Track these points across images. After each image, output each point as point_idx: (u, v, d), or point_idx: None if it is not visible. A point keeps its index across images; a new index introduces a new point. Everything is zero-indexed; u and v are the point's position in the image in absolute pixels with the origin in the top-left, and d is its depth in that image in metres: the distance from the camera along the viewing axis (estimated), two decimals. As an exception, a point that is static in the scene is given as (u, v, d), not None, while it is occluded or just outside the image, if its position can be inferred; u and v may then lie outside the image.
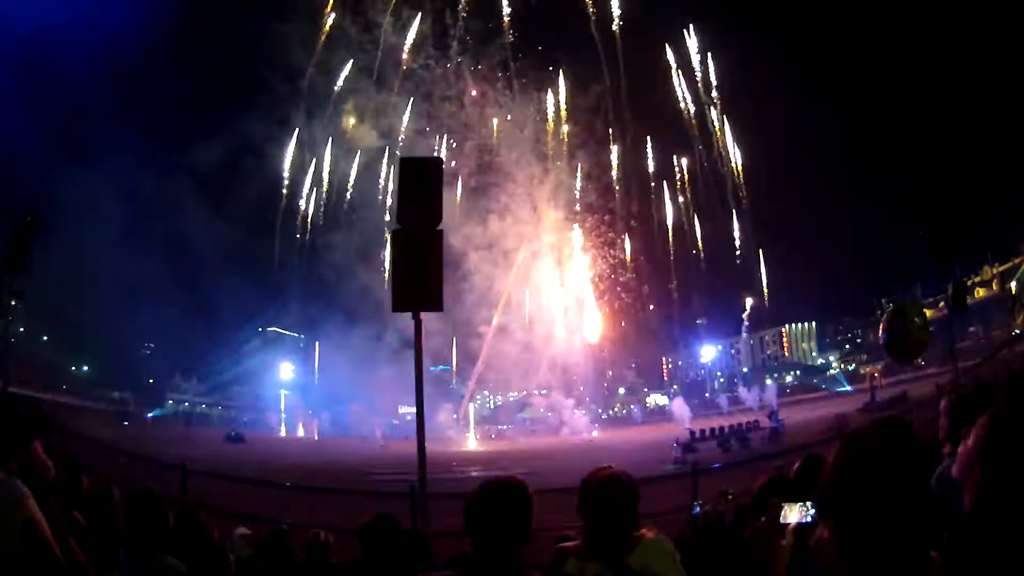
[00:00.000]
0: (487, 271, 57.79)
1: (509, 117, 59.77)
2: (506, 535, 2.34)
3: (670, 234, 64.33)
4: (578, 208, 61.88)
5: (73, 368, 54.06)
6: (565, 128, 61.75)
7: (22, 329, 37.54)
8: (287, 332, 65.32)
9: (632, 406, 62.06)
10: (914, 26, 47.14)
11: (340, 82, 59.90)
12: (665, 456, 26.93)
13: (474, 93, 58.33)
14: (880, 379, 43.89)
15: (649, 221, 64.41)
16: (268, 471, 19.07)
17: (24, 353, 32.66)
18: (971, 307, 29.14)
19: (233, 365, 59.97)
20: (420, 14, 58.86)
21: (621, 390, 65.94)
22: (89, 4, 42.75)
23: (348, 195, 61.88)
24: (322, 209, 62.61)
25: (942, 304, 33.62)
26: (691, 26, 60.69)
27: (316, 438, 48.35)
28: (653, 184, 64.11)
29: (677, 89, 62.05)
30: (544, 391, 58.44)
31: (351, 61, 59.33)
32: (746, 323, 66.19)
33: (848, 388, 51.92)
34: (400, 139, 60.20)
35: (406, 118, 60.40)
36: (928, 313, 19.35)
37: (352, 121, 60.87)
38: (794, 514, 1.94)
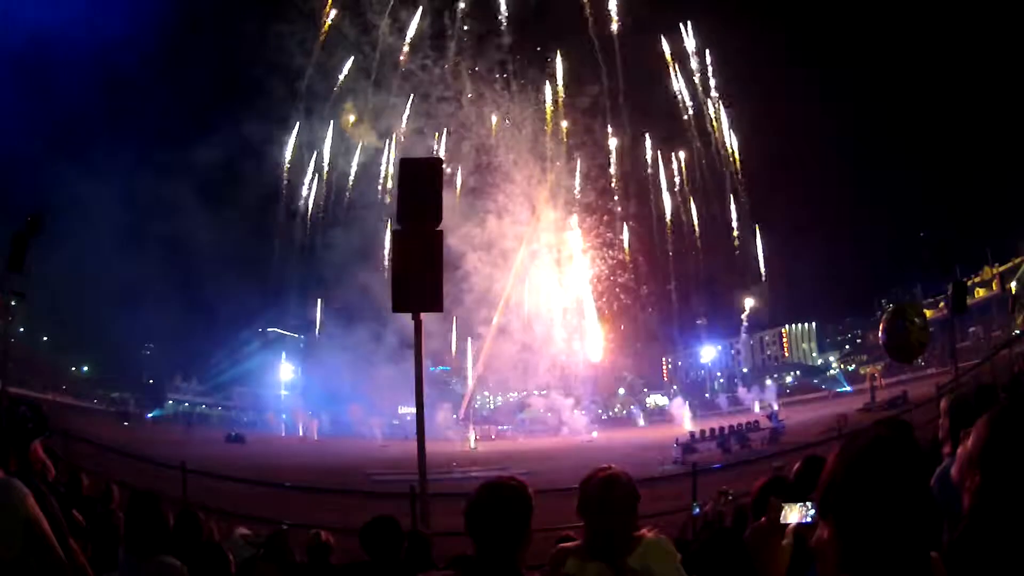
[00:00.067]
0: (486, 272, 57.90)
1: (508, 121, 59.81)
2: (506, 536, 2.34)
3: (668, 230, 64.35)
4: (577, 207, 61.94)
5: (73, 368, 54.09)
6: (564, 125, 61.80)
7: (22, 329, 37.59)
8: (287, 332, 65.35)
9: (632, 406, 62.03)
10: (915, 27, 47.21)
11: (339, 81, 59.99)
12: (665, 456, 26.93)
13: (469, 96, 58.37)
14: (880, 379, 43.86)
15: (648, 219, 64.46)
16: (268, 471, 19.07)
17: (24, 353, 32.69)
18: (971, 307, 29.17)
19: (233, 365, 60.03)
20: (419, 13, 58.90)
21: (621, 390, 65.92)
22: (88, 5, 42.85)
23: (348, 195, 61.94)
24: (322, 209, 62.64)
25: (942, 304, 33.70)
26: (689, 22, 60.72)
27: (316, 438, 48.35)
28: (651, 172, 64.03)
29: (675, 85, 62.05)
30: (544, 391, 58.46)
31: (351, 59, 59.40)
32: (745, 323, 66.21)
33: (848, 388, 51.87)
34: (399, 136, 60.29)
35: (405, 118, 60.51)
36: (928, 313, 19.40)
37: (352, 118, 60.96)
38: (794, 514, 1.94)
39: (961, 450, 1.68)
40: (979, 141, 45.29)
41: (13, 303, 12.40)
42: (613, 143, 62.55)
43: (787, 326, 69.48)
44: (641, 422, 55.53)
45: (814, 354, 69.39)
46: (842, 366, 63.40)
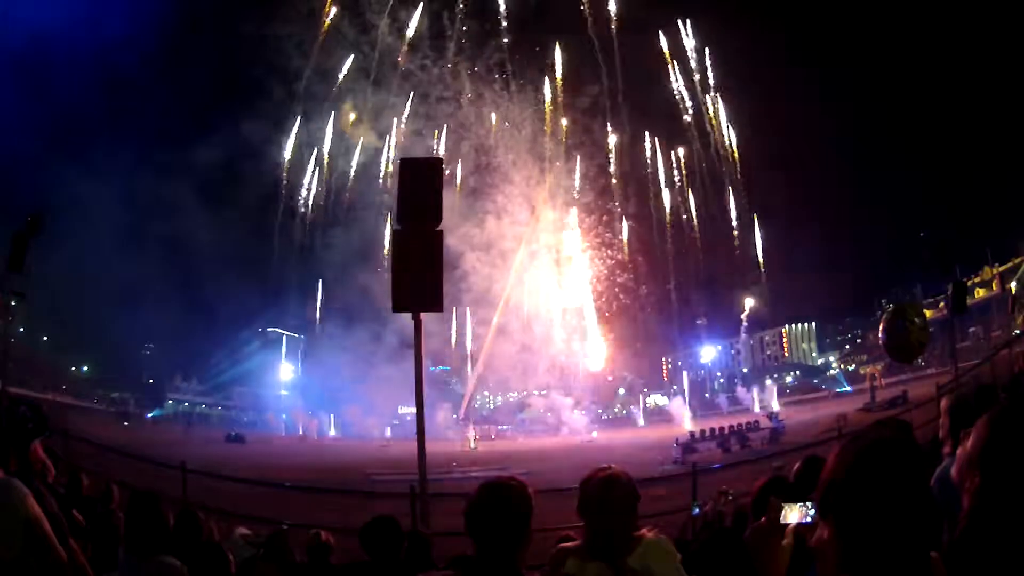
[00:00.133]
0: (485, 272, 57.96)
1: (507, 123, 59.82)
2: (506, 536, 2.35)
3: (668, 223, 64.31)
4: (577, 204, 61.93)
5: (73, 368, 54.06)
6: (564, 123, 61.80)
7: (22, 329, 37.58)
8: (287, 332, 65.37)
9: (632, 406, 62.02)
10: (915, 26, 47.19)
11: (339, 81, 60.03)
12: (665, 456, 26.93)
13: (468, 96, 58.39)
14: (880, 379, 43.86)
15: (647, 219, 64.43)
16: (268, 471, 19.08)
17: (24, 353, 32.68)
18: (971, 307, 29.18)
19: (233, 365, 60.03)
20: (418, 12, 58.93)
21: (621, 390, 65.92)
22: (88, 5, 42.84)
23: (347, 195, 61.95)
24: (321, 209, 62.65)
25: (942, 304, 33.69)
26: (688, 21, 60.71)
27: (316, 437, 48.38)
28: (650, 171, 64.00)
29: (674, 82, 62.01)
30: (544, 392, 58.47)
31: (351, 57, 59.42)
32: (745, 323, 66.22)
33: (848, 388, 51.87)
34: (398, 135, 60.31)
35: (404, 118, 60.56)
36: (928, 313, 19.40)
37: (352, 117, 61.02)
38: (794, 514, 1.94)
39: (961, 451, 1.68)
40: (979, 141, 45.30)
41: (13, 303, 12.41)
42: (613, 140, 62.59)
43: (787, 326, 69.46)
44: (641, 422, 55.56)
45: (814, 354, 69.38)
46: (842, 366, 63.39)
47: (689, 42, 61.36)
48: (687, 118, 62.57)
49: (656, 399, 64.81)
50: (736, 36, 53.62)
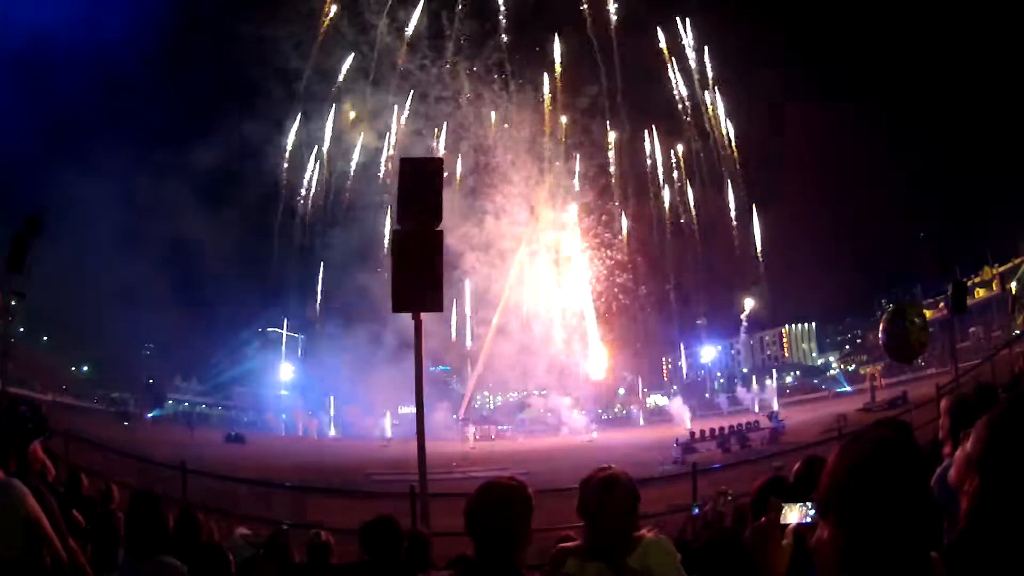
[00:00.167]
0: (484, 272, 58.01)
1: (506, 124, 59.84)
2: (506, 536, 2.35)
3: (667, 219, 64.30)
4: (576, 200, 61.92)
5: (73, 368, 54.05)
6: (563, 120, 61.82)
7: (22, 329, 37.59)
8: (287, 332, 65.40)
9: (632, 406, 62.04)
10: (915, 25, 47.18)
11: (338, 81, 60.06)
12: (665, 456, 26.94)
13: (468, 95, 58.43)
14: (880, 380, 43.87)
15: (647, 219, 64.41)
16: (268, 471, 19.08)
17: (24, 353, 32.65)
18: (971, 308, 29.19)
19: (233, 365, 60.04)
20: (417, 11, 58.96)
21: (621, 390, 65.92)
22: (88, 5, 42.85)
23: (347, 195, 61.98)
24: (321, 209, 62.67)
25: (942, 305, 33.67)
26: (687, 19, 60.70)
27: (316, 437, 48.41)
28: (650, 167, 63.98)
29: (672, 80, 62.00)
30: (544, 392, 58.47)
31: (350, 56, 59.44)
32: (745, 323, 66.20)
33: (848, 388, 51.89)
34: (397, 135, 60.35)
35: (404, 119, 60.60)
36: (928, 314, 19.40)
37: (352, 115, 61.06)
38: (794, 514, 1.94)
39: (959, 452, 1.68)
40: (979, 141, 45.29)
41: (13, 303, 12.41)
42: (612, 136, 62.62)
43: (787, 326, 69.45)
44: (641, 422, 55.57)
45: (814, 354, 69.37)
46: (842, 366, 63.38)
47: (688, 39, 61.40)
48: (687, 118, 62.56)
49: (656, 399, 64.80)
50: (735, 34, 53.65)
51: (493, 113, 60.07)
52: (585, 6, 59.31)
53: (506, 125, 59.62)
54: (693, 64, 61.63)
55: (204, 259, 49.86)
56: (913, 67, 48.44)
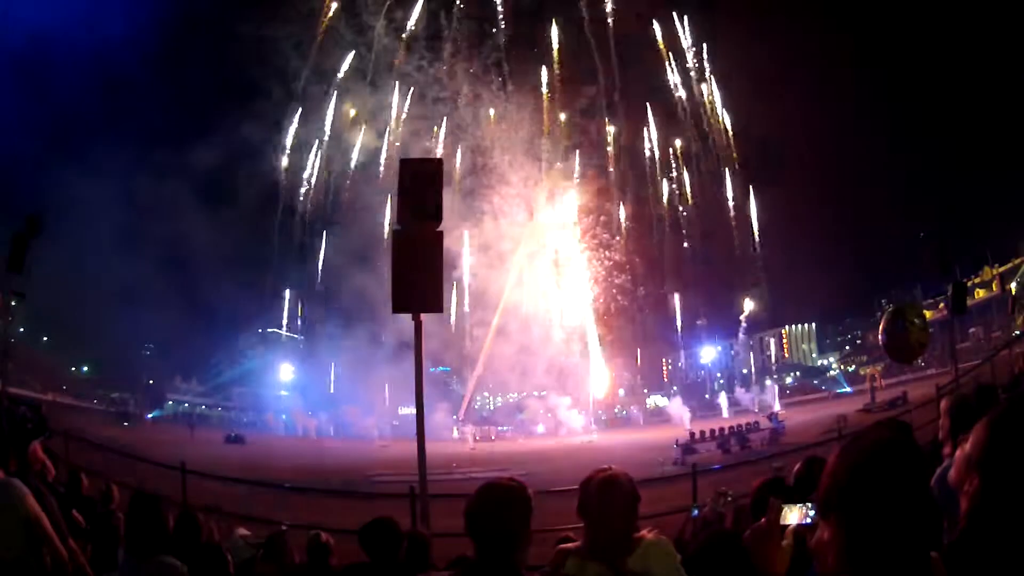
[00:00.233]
0: (483, 273, 58.01)
1: (504, 125, 59.87)
2: (506, 537, 2.35)
3: (665, 219, 64.31)
4: (575, 208, 61.92)
5: (73, 368, 54.05)
6: (562, 117, 61.86)
7: (22, 329, 37.59)
8: (287, 333, 65.41)
9: (632, 407, 62.04)
10: (915, 25, 47.18)
11: (337, 81, 60.11)
12: (665, 457, 26.93)
13: (466, 94, 58.48)
14: (880, 380, 43.89)
15: (647, 219, 64.38)
16: (268, 472, 19.08)
17: (24, 353, 32.66)
18: (971, 308, 29.19)
19: (233, 366, 60.03)
20: (416, 11, 59.02)
21: (620, 391, 65.90)
22: (88, 6, 42.87)
23: (346, 195, 62.00)
24: (320, 210, 62.68)
25: (942, 305, 33.70)
26: (685, 16, 60.73)
27: (316, 437, 48.40)
28: (648, 163, 63.95)
29: (671, 77, 62.01)
30: (543, 392, 58.47)
31: (350, 55, 59.49)
32: (744, 324, 66.16)
33: (848, 389, 51.89)
34: (396, 136, 60.39)
35: (402, 120, 60.67)
36: (928, 314, 19.41)
37: (353, 113, 61.12)
38: (794, 515, 1.94)
39: (959, 454, 1.68)
40: (979, 141, 45.28)
41: (13, 303, 12.41)
42: (611, 130, 62.64)
43: (787, 327, 69.43)
44: (641, 423, 55.59)
45: (814, 355, 69.35)
46: (842, 367, 63.37)
47: (685, 38, 61.40)
48: (684, 108, 62.51)
49: (656, 400, 64.81)
50: (734, 30, 53.68)
51: (492, 110, 60.12)
52: (583, 4, 59.40)
53: (503, 125, 59.69)
54: (692, 63, 61.74)
55: (204, 259, 49.86)
56: (913, 67, 48.46)
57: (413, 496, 7.74)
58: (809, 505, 1.91)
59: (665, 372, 71.99)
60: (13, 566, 3.03)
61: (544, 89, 60.72)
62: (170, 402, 55.36)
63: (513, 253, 58.88)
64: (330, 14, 58.23)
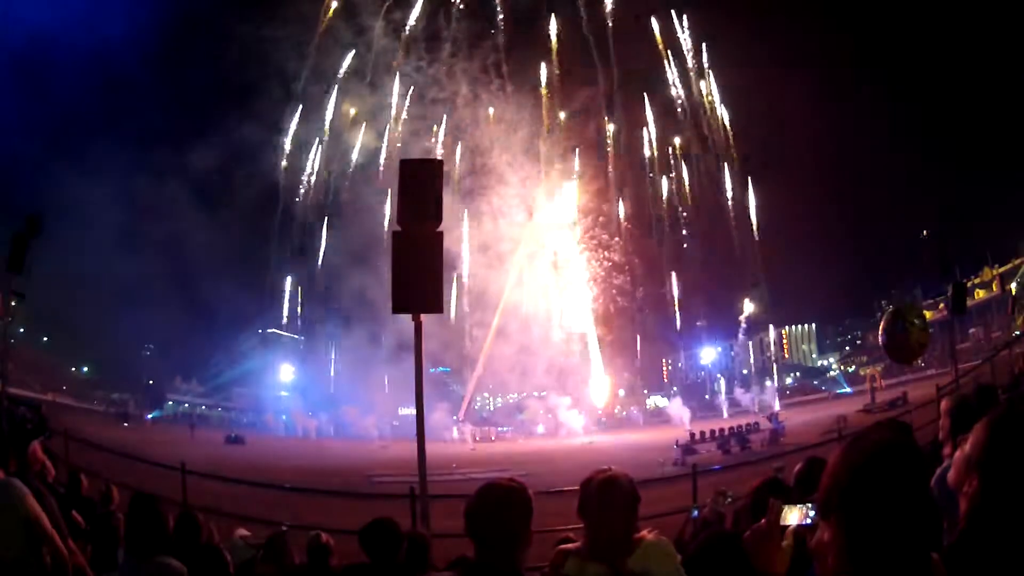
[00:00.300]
0: (482, 274, 57.99)
1: (503, 124, 59.88)
2: (506, 537, 2.35)
3: (665, 217, 64.31)
4: (574, 208, 61.93)
5: (73, 369, 54.08)
6: (562, 116, 61.88)
7: (22, 329, 37.58)
8: (287, 334, 65.40)
9: (632, 408, 62.03)
10: (915, 24, 47.19)
11: (336, 81, 60.15)
12: (665, 458, 26.94)
13: (465, 94, 58.53)
14: (880, 381, 43.90)
15: (646, 219, 64.39)
16: (268, 472, 19.08)
17: (24, 353, 32.67)
18: (971, 308, 29.24)
19: (233, 366, 60.01)
20: (416, 11, 59.06)
21: (620, 391, 65.89)
22: (87, 6, 42.88)
23: (346, 195, 62.01)
24: (320, 209, 62.67)
25: (942, 306, 33.69)
26: (684, 16, 60.74)
27: (316, 437, 48.41)
28: (648, 161, 63.98)
29: (670, 76, 62.01)
30: (543, 393, 58.46)
31: (349, 55, 59.53)
32: (744, 325, 66.14)
33: (848, 390, 51.91)
34: (395, 136, 60.45)
35: (402, 119, 60.71)
36: (928, 315, 19.41)
37: (353, 112, 61.16)
38: (794, 516, 1.94)
39: (959, 455, 1.68)
40: (979, 141, 45.29)
41: (13, 303, 12.40)
42: (611, 128, 62.66)
43: (787, 327, 69.44)
44: (641, 423, 55.59)
45: (814, 355, 69.37)
46: (842, 367, 63.38)
47: (685, 38, 61.41)
48: (681, 100, 62.52)
49: (656, 400, 64.81)
50: (733, 33, 53.66)
51: (491, 110, 60.14)
52: (581, 4, 59.41)
53: (502, 124, 59.69)
54: (691, 63, 61.76)
55: (204, 259, 49.88)
56: (913, 66, 48.47)
57: (413, 496, 7.73)
58: (809, 506, 1.90)
59: (665, 372, 71.99)
60: (13, 566, 3.03)
61: (543, 88, 60.79)
62: (170, 402, 55.36)
63: (513, 253, 58.92)
64: (329, 14, 58.32)
